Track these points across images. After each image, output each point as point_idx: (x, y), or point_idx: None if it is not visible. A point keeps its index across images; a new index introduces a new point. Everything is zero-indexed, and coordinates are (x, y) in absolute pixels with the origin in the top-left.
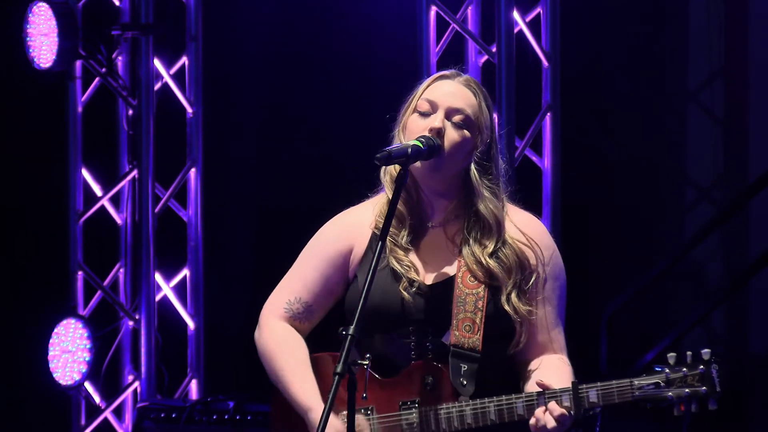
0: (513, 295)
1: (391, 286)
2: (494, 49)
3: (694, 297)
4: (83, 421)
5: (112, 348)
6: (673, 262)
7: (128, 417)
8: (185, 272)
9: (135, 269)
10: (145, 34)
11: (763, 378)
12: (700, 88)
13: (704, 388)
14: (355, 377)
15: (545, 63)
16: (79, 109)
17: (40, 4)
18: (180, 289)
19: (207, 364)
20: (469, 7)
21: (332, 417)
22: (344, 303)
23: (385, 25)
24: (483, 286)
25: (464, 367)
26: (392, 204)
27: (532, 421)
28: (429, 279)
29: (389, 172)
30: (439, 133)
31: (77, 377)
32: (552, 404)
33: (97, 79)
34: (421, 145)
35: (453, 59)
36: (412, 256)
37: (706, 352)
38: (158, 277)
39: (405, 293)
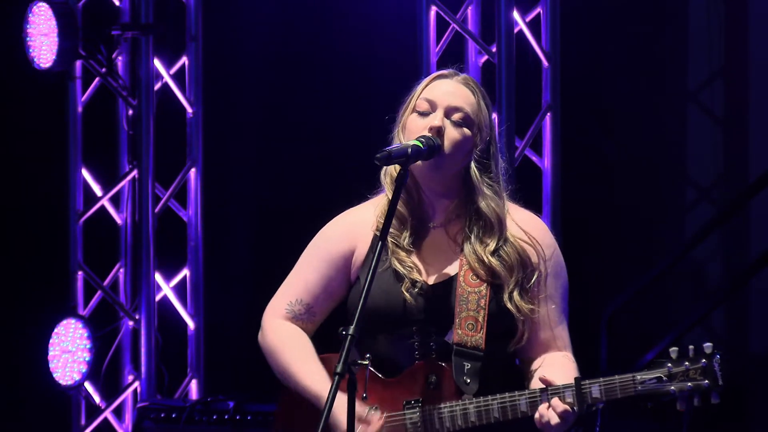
0: (515, 293)
1: (393, 287)
2: (494, 49)
3: (694, 297)
4: (83, 421)
5: (112, 348)
6: (673, 262)
7: (128, 417)
8: (185, 272)
9: (135, 269)
10: (145, 34)
11: (763, 378)
12: (700, 88)
13: (706, 381)
14: (355, 377)
15: (545, 63)
16: (79, 109)
17: (40, 4)
18: (180, 289)
19: (207, 364)
20: (469, 7)
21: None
22: (347, 304)
23: (385, 25)
24: (485, 284)
25: (467, 365)
26: (392, 204)
27: (536, 416)
28: (431, 279)
29: (389, 173)
30: (438, 132)
31: (77, 377)
32: (555, 400)
33: (97, 79)
34: (421, 145)
35: (453, 59)
36: (414, 257)
37: (708, 346)
38: (158, 277)
39: (407, 294)
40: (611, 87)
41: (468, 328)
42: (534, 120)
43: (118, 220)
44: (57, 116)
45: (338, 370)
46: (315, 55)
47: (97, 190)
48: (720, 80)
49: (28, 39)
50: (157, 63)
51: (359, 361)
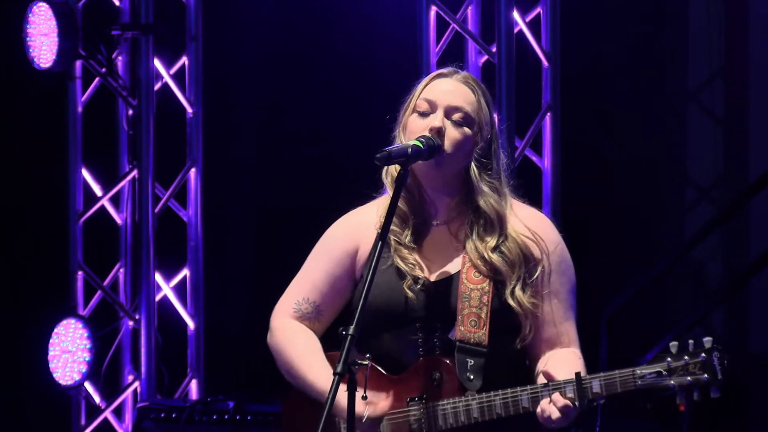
0: (517, 289)
1: (396, 285)
2: (494, 49)
3: (694, 297)
4: (83, 421)
5: (112, 348)
6: (673, 262)
7: (128, 417)
8: (185, 272)
9: (135, 269)
10: (145, 34)
11: (763, 378)
12: (700, 88)
13: (706, 375)
14: (355, 377)
15: (545, 63)
16: (79, 109)
17: (40, 4)
18: (180, 289)
19: (207, 364)
20: (469, 7)
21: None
22: (351, 303)
23: (385, 25)
24: (488, 281)
25: (471, 361)
26: (392, 204)
27: (538, 411)
28: (433, 276)
29: (390, 173)
30: (439, 132)
31: (77, 377)
32: (556, 395)
33: (97, 79)
34: (421, 145)
35: (453, 59)
36: (417, 254)
37: (707, 340)
38: (158, 277)
39: (409, 291)
40: (611, 87)
41: (471, 325)
42: (534, 120)
43: (118, 220)
44: (57, 116)
45: (338, 370)
46: (315, 55)
47: (97, 190)
48: (720, 80)
49: (28, 39)
50: (157, 63)
51: (359, 361)
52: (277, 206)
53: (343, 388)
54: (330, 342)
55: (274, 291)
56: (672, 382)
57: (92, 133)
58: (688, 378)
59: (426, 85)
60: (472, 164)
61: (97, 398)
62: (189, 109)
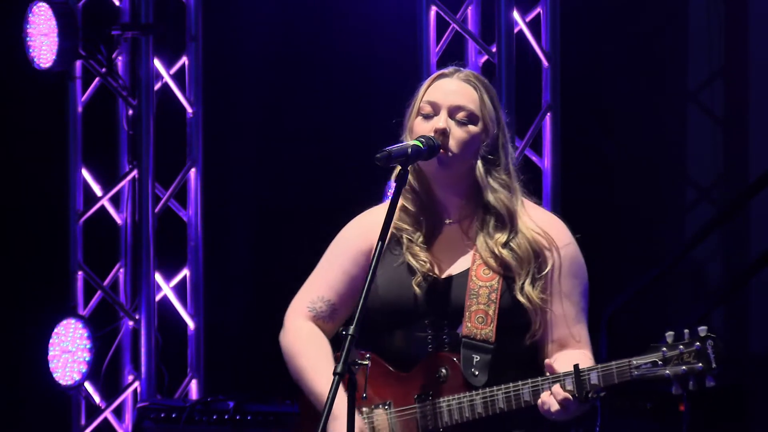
0: (526, 285)
1: (405, 282)
2: (494, 49)
3: (694, 297)
4: (83, 421)
5: (112, 348)
6: (673, 262)
7: (128, 417)
8: (185, 272)
9: (135, 269)
10: (145, 34)
11: (763, 378)
12: (700, 88)
13: (700, 364)
14: (355, 377)
15: (545, 63)
16: (79, 109)
17: (40, 4)
18: (180, 289)
19: (207, 364)
20: (469, 7)
21: (356, 417)
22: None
23: (385, 25)
24: (497, 278)
25: (476, 358)
26: (392, 203)
27: (539, 403)
28: (443, 273)
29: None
30: (444, 133)
31: (77, 377)
32: (556, 387)
33: (97, 79)
34: (421, 145)
35: (453, 59)
36: (428, 252)
37: (702, 329)
38: (158, 277)
39: (418, 288)
40: (611, 87)
41: (478, 321)
42: (534, 120)
43: (118, 220)
44: (57, 116)
45: (338, 370)
46: (315, 55)
47: (97, 190)
48: (720, 80)
49: (28, 39)
50: (157, 63)
51: (359, 361)
52: (277, 206)
53: (342, 396)
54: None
55: (274, 291)
56: (667, 371)
57: (92, 133)
58: (683, 367)
59: (428, 87)
60: (479, 161)
61: (97, 398)
62: (189, 109)
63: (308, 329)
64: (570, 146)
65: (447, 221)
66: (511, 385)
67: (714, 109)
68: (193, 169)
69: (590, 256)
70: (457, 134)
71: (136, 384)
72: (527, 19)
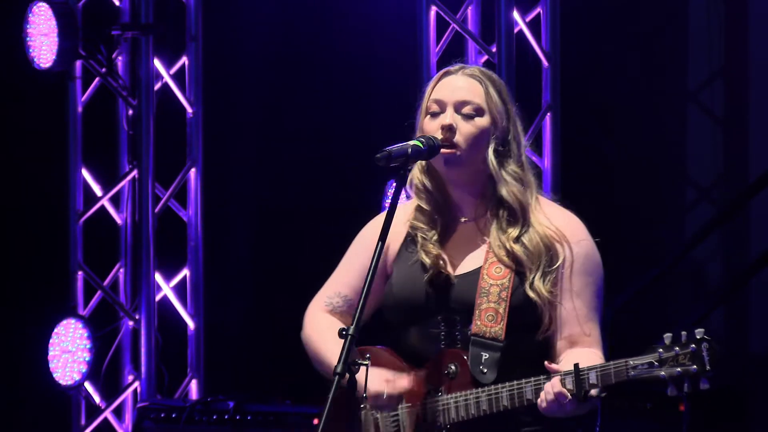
0: (536, 279)
1: (418, 280)
2: (494, 49)
3: (694, 297)
4: (83, 421)
5: (112, 348)
6: (673, 262)
7: (128, 417)
8: (185, 272)
9: (135, 269)
10: (145, 34)
11: (763, 378)
12: (700, 88)
13: (694, 366)
14: (354, 377)
15: (545, 63)
16: (79, 109)
17: (40, 4)
18: (180, 289)
19: (207, 364)
20: (469, 7)
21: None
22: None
23: (385, 25)
24: (509, 275)
25: (485, 355)
26: (392, 203)
27: (538, 400)
28: (456, 270)
29: (414, 177)
30: (450, 129)
31: (77, 377)
32: (554, 380)
33: (97, 79)
34: (420, 145)
35: (453, 59)
36: (442, 250)
37: (699, 331)
38: (158, 277)
39: (430, 285)
40: (611, 87)
41: (487, 319)
42: (534, 120)
43: (118, 220)
44: (57, 116)
45: (338, 370)
46: (315, 55)
47: (97, 190)
48: (720, 80)
49: (28, 39)
50: (157, 63)
51: (359, 361)
52: (277, 206)
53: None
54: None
55: (274, 291)
56: (662, 372)
57: (92, 133)
58: (678, 369)
59: (434, 86)
60: (490, 155)
61: (97, 398)
62: (189, 109)
63: (327, 320)
64: (570, 146)
65: (462, 219)
66: (515, 382)
67: (714, 109)
68: (193, 169)
69: None
70: (465, 129)
71: (136, 384)
72: (527, 19)
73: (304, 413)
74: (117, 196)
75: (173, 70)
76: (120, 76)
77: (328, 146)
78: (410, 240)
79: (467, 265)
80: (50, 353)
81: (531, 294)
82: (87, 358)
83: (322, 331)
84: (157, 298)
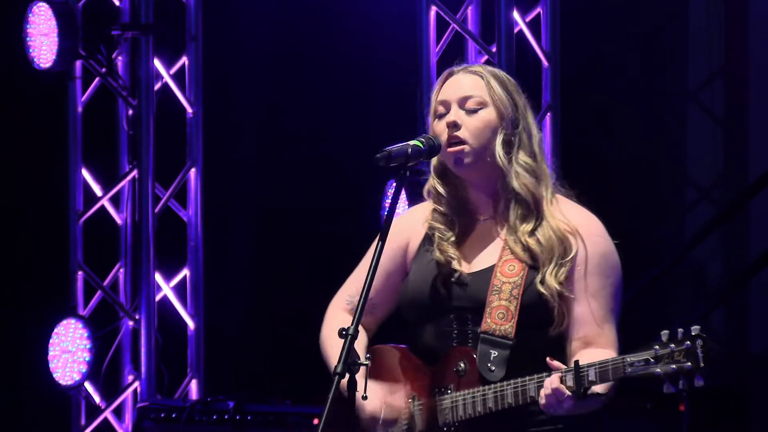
0: (548, 274)
1: (432, 278)
2: (494, 49)
3: (694, 297)
4: (83, 421)
5: (112, 348)
6: (673, 262)
7: (128, 417)
8: (185, 272)
9: (135, 269)
10: (145, 34)
11: (763, 378)
12: (700, 88)
13: (689, 363)
14: (355, 377)
15: (545, 63)
16: (79, 109)
17: (40, 4)
18: (180, 289)
19: (207, 364)
20: (469, 7)
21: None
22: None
23: (385, 25)
24: (522, 273)
25: (494, 353)
26: (392, 202)
27: (539, 397)
28: (470, 269)
29: (430, 185)
30: (455, 125)
31: (77, 377)
32: (553, 376)
33: (97, 79)
34: (421, 145)
35: (453, 59)
36: (458, 249)
37: (695, 328)
38: (158, 277)
39: (443, 284)
40: (611, 87)
41: (498, 317)
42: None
43: (118, 220)
44: (57, 116)
45: (338, 370)
46: (315, 55)
47: (97, 190)
48: (720, 80)
49: (28, 39)
50: (157, 63)
51: (359, 361)
52: (277, 206)
53: (362, 382)
54: (385, 339)
55: (274, 291)
56: (658, 369)
57: (92, 133)
58: (673, 366)
59: (439, 89)
60: (498, 146)
61: (97, 398)
62: (189, 109)
63: (342, 318)
64: (570, 146)
65: (481, 218)
66: (519, 380)
67: (714, 109)
68: (193, 169)
69: None
70: (469, 123)
71: (136, 384)
72: (527, 19)
73: (304, 413)
74: (117, 196)
75: (173, 70)
76: (120, 76)
77: (328, 146)
78: (428, 239)
79: (481, 262)
80: (50, 353)
81: (542, 290)
82: (87, 358)
83: (334, 329)
84: (157, 298)
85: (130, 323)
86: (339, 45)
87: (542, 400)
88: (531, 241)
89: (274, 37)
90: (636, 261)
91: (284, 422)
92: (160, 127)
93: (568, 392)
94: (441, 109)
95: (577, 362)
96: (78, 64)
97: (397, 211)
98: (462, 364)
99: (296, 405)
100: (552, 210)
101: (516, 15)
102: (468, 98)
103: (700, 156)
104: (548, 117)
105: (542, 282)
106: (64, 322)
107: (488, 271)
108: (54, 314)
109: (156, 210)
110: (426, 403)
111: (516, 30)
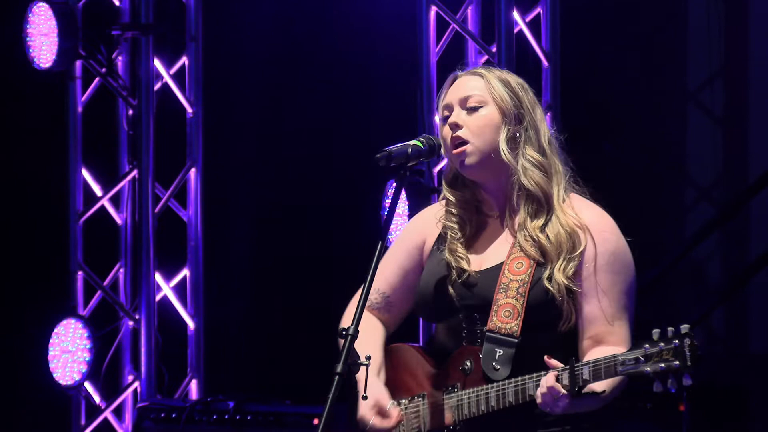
0: (556, 271)
1: (442, 277)
2: (494, 49)
3: (694, 297)
4: (83, 421)
5: (112, 348)
6: (673, 262)
7: (128, 417)
8: (185, 272)
9: (135, 269)
10: (145, 34)
11: (763, 378)
12: (700, 88)
13: (677, 362)
14: (355, 377)
15: (545, 63)
16: (79, 109)
17: (40, 4)
18: (180, 289)
19: (207, 364)
20: (469, 7)
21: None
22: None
23: (385, 25)
24: (530, 270)
25: (499, 351)
26: (392, 203)
27: (536, 395)
28: (479, 267)
29: (443, 193)
30: (457, 126)
31: (77, 377)
32: (549, 375)
33: (97, 79)
34: (421, 145)
35: (453, 59)
36: (469, 248)
37: (684, 327)
38: (158, 277)
39: (452, 283)
40: (611, 87)
41: (504, 316)
42: None
43: (118, 220)
44: (57, 116)
45: (338, 370)
46: (315, 54)
47: (97, 190)
48: (720, 80)
49: (28, 39)
50: (157, 63)
51: (359, 361)
52: (277, 206)
53: (373, 375)
54: (402, 338)
55: (274, 291)
56: (648, 368)
57: (92, 133)
58: (661, 365)
59: (443, 94)
60: (502, 142)
61: (97, 398)
62: (189, 109)
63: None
64: (570, 146)
65: (493, 216)
66: (519, 378)
67: (714, 109)
68: (193, 169)
69: None
70: (470, 122)
71: (136, 384)
72: (527, 19)
73: (304, 413)
74: (117, 196)
75: (173, 70)
76: (120, 76)
77: (328, 146)
78: (441, 239)
79: (491, 260)
80: (50, 353)
81: (549, 286)
82: (87, 358)
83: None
84: (157, 298)
85: (130, 323)
86: (339, 45)
87: (539, 399)
88: (541, 237)
89: (274, 37)
90: (636, 261)
91: (284, 422)
92: (160, 127)
93: (563, 391)
94: (446, 114)
95: (572, 360)
96: (78, 64)
97: (397, 211)
98: (468, 363)
99: (296, 405)
100: (564, 206)
101: (516, 15)
102: (468, 98)
103: (700, 156)
104: (548, 117)
105: (549, 278)
106: (64, 322)
107: (497, 269)
108: (54, 314)
109: (156, 210)
110: (434, 402)
111: (516, 30)
